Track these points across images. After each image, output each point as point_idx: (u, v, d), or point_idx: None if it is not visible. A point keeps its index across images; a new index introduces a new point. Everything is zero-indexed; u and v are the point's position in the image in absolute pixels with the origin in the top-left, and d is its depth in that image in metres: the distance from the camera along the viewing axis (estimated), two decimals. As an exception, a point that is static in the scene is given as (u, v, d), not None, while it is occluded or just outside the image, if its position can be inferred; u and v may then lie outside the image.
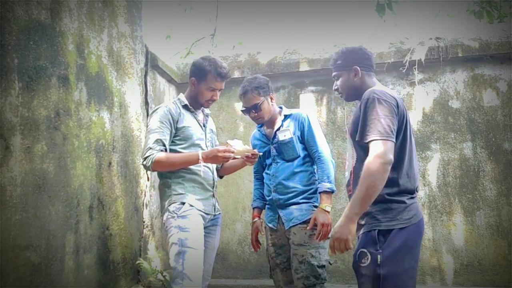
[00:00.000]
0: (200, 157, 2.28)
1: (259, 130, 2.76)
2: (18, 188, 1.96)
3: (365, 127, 1.78)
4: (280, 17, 12.30)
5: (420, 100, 3.83)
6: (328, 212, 2.41)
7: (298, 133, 2.57)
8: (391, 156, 1.72)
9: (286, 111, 2.68)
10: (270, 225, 2.63)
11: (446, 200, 3.68)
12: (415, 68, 3.77)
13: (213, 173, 2.50)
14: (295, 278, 2.47)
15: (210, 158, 2.29)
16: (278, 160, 2.59)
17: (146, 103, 3.48)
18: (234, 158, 2.39)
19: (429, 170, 3.73)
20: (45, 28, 2.22)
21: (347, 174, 1.99)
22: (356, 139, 1.85)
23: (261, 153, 2.51)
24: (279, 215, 2.57)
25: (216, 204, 2.52)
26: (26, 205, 2.00)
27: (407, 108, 3.77)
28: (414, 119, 3.81)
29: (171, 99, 4.09)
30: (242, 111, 2.66)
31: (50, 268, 2.15)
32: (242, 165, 2.56)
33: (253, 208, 2.77)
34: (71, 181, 2.35)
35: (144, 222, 3.30)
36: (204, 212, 2.39)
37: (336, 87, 2.07)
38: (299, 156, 2.56)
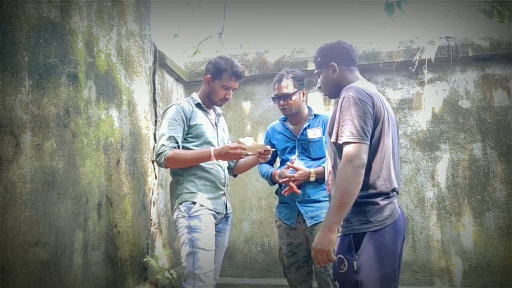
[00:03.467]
0: (212, 154, 2.28)
1: (282, 124, 2.77)
2: (27, 185, 1.97)
3: (338, 127, 1.74)
4: (288, 16, 12.29)
5: (429, 99, 3.80)
6: None
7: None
8: (364, 159, 1.66)
9: (315, 111, 2.73)
10: (287, 222, 2.62)
11: (455, 201, 3.64)
12: (424, 68, 3.75)
13: (224, 172, 2.50)
14: (320, 274, 2.50)
15: (222, 155, 2.30)
16: (303, 158, 2.62)
17: (154, 101, 3.49)
18: (247, 155, 2.40)
19: (438, 170, 3.70)
20: (55, 26, 2.23)
21: (326, 173, 1.96)
22: (331, 139, 1.81)
23: (273, 149, 2.52)
24: (298, 213, 2.57)
25: (228, 203, 2.51)
26: (35, 202, 2.01)
27: (417, 108, 3.80)
28: (424, 119, 3.79)
29: (181, 98, 4.12)
30: (272, 98, 2.72)
31: (59, 264, 2.16)
32: (255, 162, 2.58)
33: (270, 173, 2.69)
34: (80, 179, 2.36)
35: (151, 220, 3.31)
36: (215, 211, 2.39)
37: (319, 85, 2.05)
38: (324, 156, 2.57)
